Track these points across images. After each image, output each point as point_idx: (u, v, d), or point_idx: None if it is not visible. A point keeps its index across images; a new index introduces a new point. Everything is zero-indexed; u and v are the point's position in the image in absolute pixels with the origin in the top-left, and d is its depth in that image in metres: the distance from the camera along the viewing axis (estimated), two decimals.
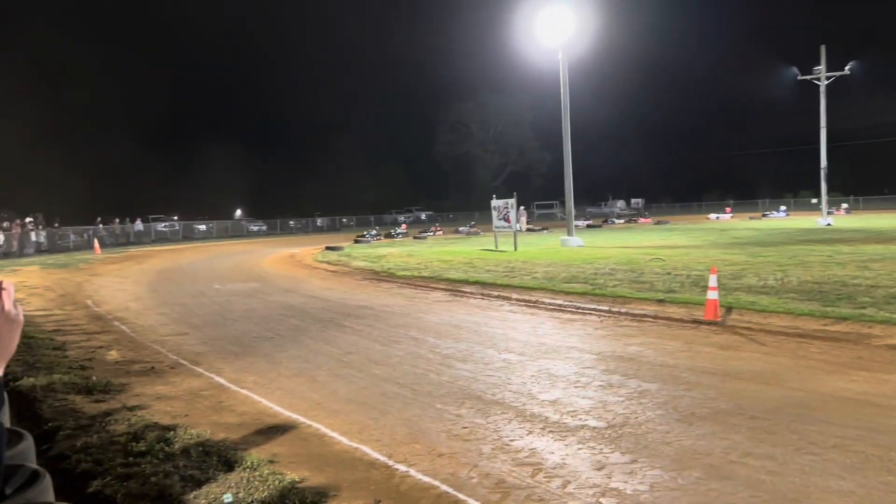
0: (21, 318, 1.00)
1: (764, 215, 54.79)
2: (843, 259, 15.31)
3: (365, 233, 38.12)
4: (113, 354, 8.56)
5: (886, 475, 4.05)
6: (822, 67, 37.39)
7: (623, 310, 10.42)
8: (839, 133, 47.58)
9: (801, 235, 26.46)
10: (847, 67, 37.39)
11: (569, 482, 4.15)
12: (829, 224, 34.83)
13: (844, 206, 55.34)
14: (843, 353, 7.24)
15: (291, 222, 58.09)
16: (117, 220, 43.53)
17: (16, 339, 1.00)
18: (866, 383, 6.05)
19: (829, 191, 40.40)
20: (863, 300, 9.54)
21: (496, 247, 24.40)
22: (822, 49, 37.34)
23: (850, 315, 8.59)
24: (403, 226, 43.96)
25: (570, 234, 26.70)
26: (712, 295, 9.39)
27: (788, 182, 72.91)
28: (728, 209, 60.13)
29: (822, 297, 10.04)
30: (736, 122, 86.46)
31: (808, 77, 38.32)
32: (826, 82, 37.39)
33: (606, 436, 4.93)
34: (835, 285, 11.05)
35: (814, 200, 52.87)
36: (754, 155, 76.94)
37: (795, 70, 39.44)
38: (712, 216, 55.76)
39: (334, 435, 5.20)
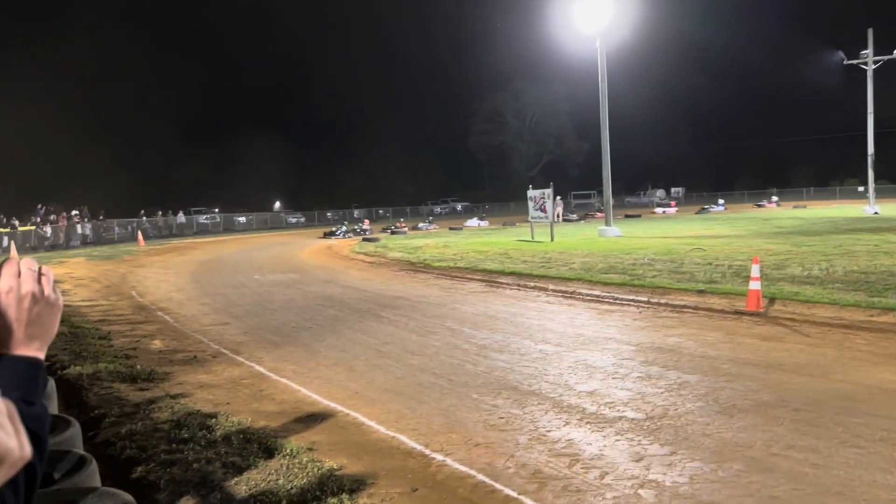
0: (60, 302, 1.03)
1: (703, 209, 49.85)
2: (890, 248, 14.89)
3: (335, 228, 37.41)
4: (156, 344, 8.76)
5: None
6: (869, 51, 36.22)
7: (662, 301, 10.29)
8: (887, 119, 46.15)
9: (847, 224, 25.77)
10: (895, 51, 36.21)
11: (606, 473, 4.12)
12: (876, 212, 33.86)
13: (775, 198, 53.92)
14: (891, 345, 7.04)
15: (329, 214, 58.56)
16: (160, 213, 44.38)
17: (56, 323, 1.02)
18: None
19: (877, 178, 39.22)
20: None
21: (532, 237, 24.29)
22: (870, 32, 36.16)
23: None
24: (366, 221, 42.43)
25: (607, 223, 26.43)
26: (755, 285, 9.20)
27: (834, 169, 71.11)
28: (673, 203, 56.96)
29: (868, 287, 9.77)
30: (780, 110, 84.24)
31: (855, 62, 37.13)
32: (873, 67, 36.24)
33: (645, 427, 4.88)
34: (882, 275, 10.76)
35: (860, 188, 51.19)
36: (799, 142, 75.16)
37: (842, 54, 38.32)
38: (658, 210, 51.66)
39: (372, 424, 5.25)
